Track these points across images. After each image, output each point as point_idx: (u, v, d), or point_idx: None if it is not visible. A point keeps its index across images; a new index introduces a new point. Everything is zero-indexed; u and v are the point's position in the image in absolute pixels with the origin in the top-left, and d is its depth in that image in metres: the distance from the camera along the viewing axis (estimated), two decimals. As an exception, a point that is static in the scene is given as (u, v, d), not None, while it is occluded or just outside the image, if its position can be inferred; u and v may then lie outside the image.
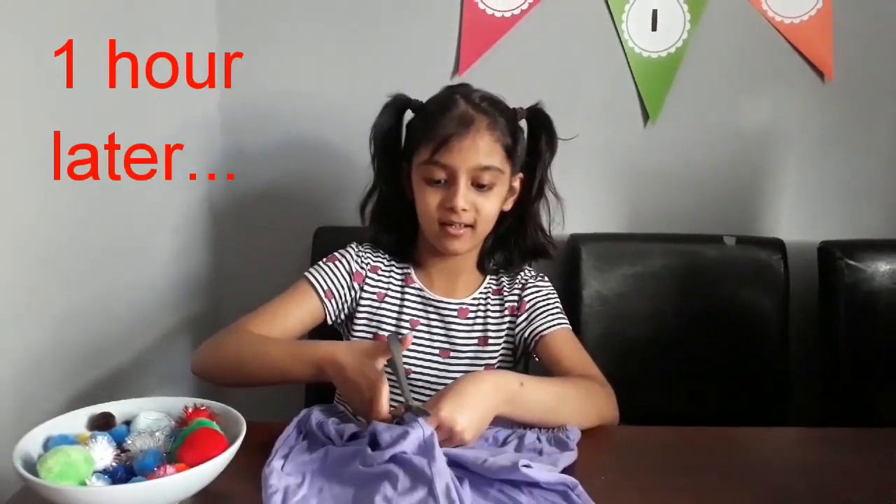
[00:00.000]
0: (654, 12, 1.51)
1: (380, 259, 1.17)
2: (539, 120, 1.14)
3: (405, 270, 1.16)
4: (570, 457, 0.86)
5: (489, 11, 1.49)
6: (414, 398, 0.91)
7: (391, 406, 0.88)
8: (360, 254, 1.16)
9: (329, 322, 1.12)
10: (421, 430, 0.80)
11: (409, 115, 1.14)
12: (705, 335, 1.47)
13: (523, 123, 1.14)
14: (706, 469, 0.87)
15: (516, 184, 1.13)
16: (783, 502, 0.79)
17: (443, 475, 0.75)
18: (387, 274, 1.16)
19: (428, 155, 1.04)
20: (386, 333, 1.12)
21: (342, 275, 1.12)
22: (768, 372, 1.47)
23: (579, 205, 1.57)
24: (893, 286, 1.43)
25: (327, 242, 1.34)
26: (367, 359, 0.91)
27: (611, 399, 1.03)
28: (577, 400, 0.98)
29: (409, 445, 0.79)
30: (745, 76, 1.54)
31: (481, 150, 1.03)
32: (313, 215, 1.50)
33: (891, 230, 1.57)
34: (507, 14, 1.49)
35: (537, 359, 1.13)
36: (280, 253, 1.54)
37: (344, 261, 1.14)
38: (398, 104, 1.12)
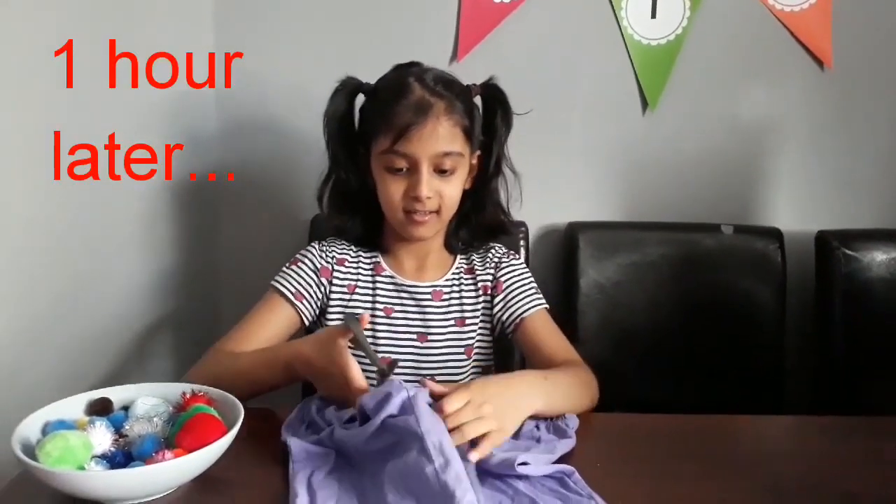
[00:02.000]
0: (654, 0, 1.50)
1: (345, 251, 1.15)
2: (494, 96, 1.11)
3: (373, 259, 1.15)
4: (567, 444, 0.87)
5: (488, -3, 1.48)
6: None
7: (371, 384, 0.89)
8: (324, 249, 1.14)
9: (307, 324, 1.11)
10: (404, 392, 0.78)
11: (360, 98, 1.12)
12: (702, 324, 1.47)
13: (477, 100, 1.12)
14: (701, 457, 0.87)
15: (475, 161, 1.12)
16: (777, 490, 0.79)
17: (433, 432, 0.74)
18: (354, 265, 1.14)
19: (388, 144, 1.02)
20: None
21: (307, 273, 1.10)
22: (764, 360, 1.47)
23: (577, 193, 1.58)
24: (890, 276, 1.43)
25: (323, 230, 1.34)
26: (327, 342, 0.91)
27: (595, 383, 1.05)
28: (580, 389, 1.00)
29: (392, 408, 0.77)
30: (744, 64, 1.53)
31: (441, 136, 1.01)
32: (309, 204, 1.50)
33: (888, 220, 1.56)
34: (506, 0, 1.48)
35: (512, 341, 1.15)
36: (277, 242, 1.54)
37: (307, 259, 1.12)
38: (349, 88, 1.10)
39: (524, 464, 0.77)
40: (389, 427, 0.77)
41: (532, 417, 0.91)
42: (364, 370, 0.89)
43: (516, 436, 0.88)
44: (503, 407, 0.85)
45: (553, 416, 0.94)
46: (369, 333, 1.10)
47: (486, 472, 0.78)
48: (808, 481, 0.82)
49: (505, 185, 1.16)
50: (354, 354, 0.90)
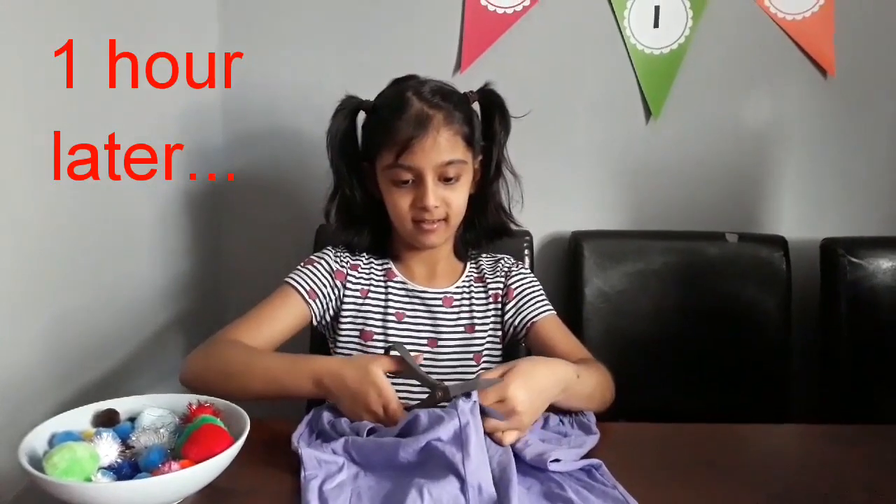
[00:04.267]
0: (657, 9, 1.50)
1: (358, 258, 1.17)
2: (491, 101, 1.13)
3: (385, 266, 1.17)
4: (593, 440, 0.90)
5: (491, 8, 1.49)
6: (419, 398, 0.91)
7: (407, 403, 0.89)
8: (339, 254, 1.16)
9: (315, 323, 1.11)
10: (457, 420, 0.79)
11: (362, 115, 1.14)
12: (707, 332, 1.47)
13: (476, 106, 1.14)
14: (707, 465, 0.87)
15: (477, 165, 1.14)
16: (783, 498, 0.79)
17: (477, 473, 0.75)
18: (367, 271, 1.16)
19: (392, 159, 1.04)
20: (372, 329, 1.12)
21: (323, 274, 1.12)
22: (769, 369, 1.47)
23: (581, 201, 1.58)
24: (895, 283, 1.43)
25: (329, 240, 1.34)
26: (369, 367, 0.90)
27: (612, 386, 1.06)
28: (603, 386, 1.02)
29: (444, 432, 0.78)
30: (747, 73, 1.54)
31: (443, 147, 1.04)
32: (314, 213, 1.50)
33: (893, 227, 1.56)
34: (509, 11, 1.49)
35: (524, 345, 1.16)
36: (282, 251, 1.53)
37: (323, 261, 1.13)
38: (350, 107, 1.12)
39: (556, 461, 0.80)
40: (432, 450, 0.78)
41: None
42: (401, 398, 0.90)
43: (544, 427, 0.92)
44: (531, 408, 0.87)
45: (572, 409, 0.97)
46: (381, 338, 1.11)
47: (519, 463, 0.81)
48: (815, 490, 0.82)
49: (506, 187, 1.18)
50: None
